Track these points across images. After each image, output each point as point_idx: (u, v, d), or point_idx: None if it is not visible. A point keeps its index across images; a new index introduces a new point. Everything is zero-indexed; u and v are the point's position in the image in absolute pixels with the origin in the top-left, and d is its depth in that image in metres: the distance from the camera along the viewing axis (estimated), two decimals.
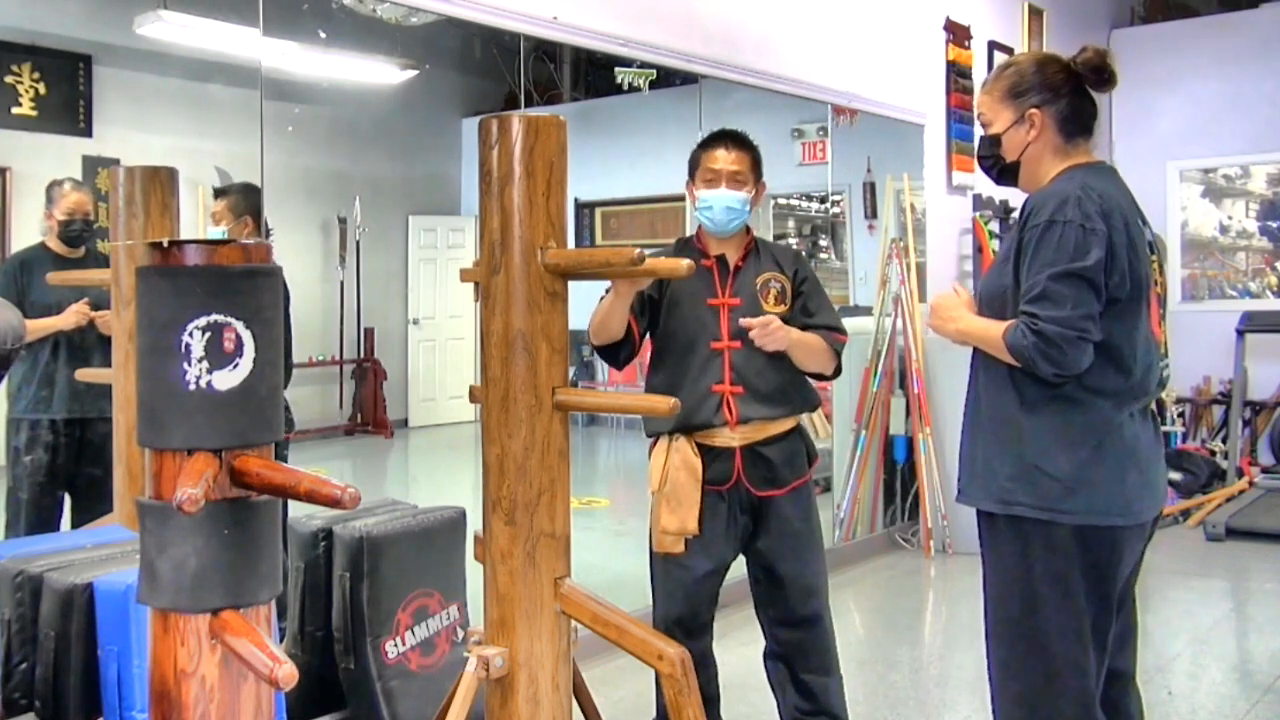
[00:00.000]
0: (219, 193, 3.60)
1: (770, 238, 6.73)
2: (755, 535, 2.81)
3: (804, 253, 2.98)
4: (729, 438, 2.74)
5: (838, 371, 2.87)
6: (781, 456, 2.80)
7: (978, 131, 2.40)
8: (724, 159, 2.77)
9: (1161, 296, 2.31)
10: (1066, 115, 2.24)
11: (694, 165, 2.84)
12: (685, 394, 2.69)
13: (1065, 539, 2.13)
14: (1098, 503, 2.12)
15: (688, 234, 2.98)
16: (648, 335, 2.84)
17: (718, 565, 2.81)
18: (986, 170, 2.37)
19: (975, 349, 2.27)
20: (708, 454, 2.74)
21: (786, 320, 2.79)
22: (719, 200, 2.76)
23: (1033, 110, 2.24)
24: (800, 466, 2.84)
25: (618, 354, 2.76)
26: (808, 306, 2.84)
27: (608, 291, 2.73)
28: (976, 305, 2.30)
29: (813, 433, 2.98)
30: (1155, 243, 2.34)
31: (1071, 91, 2.24)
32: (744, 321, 2.70)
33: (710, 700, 2.88)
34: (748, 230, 2.88)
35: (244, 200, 3.51)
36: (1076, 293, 2.05)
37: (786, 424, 2.82)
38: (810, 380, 2.90)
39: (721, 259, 2.82)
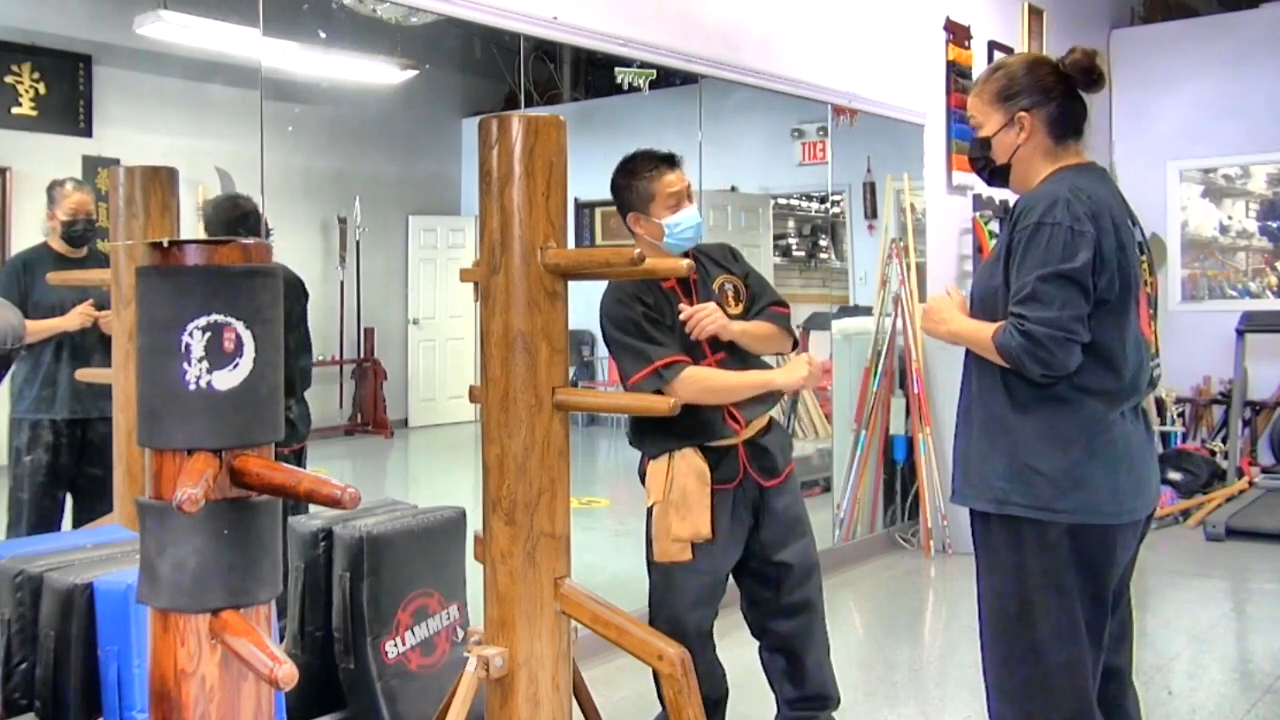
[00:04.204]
0: (203, 214, 3.59)
1: (770, 238, 6.73)
2: (756, 529, 2.83)
3: (728, 243, 3.04)
4: (730, 438, 2.77)
5: (796, 344, 2.95)
6: (776, 444, 2.87)
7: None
8: (677, 180, 2.76)
9: (1151, 296, 2.32)
10: (1056, 117, 2.24)
11: (645, 195, 2.74)
12: (692, 413, 2.70)
13: (1059, 538, 2.13)
14: (1090, 501, 2.12)
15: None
16: None
17: (726, 569, 2.82)
18: (978, 172, 2.39)
19: (968, 350, 2.28)
20: (712, 455, 2.75)
21: (745, 316, 2.85)
22: (690, 220, 2.75)
23: (1022, 113, 2.24)
24: (789, 453, 2.94)
25: None
26: (752, 294, 2.89)
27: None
28: (969, 306, 2.31)
29: (813, 433, 3.04)
30: (1146, 243, 2.35)
31: (1062, 94, 2.25)
32: (683, 315, 2.72)
33: (717, 702, 2.89)
34: None
35: (218, 218, 3.48)
36: (1064, 294, 2.06)
37: (769, 414, 2.90)
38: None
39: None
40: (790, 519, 2.86)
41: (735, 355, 2.78)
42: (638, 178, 2.76)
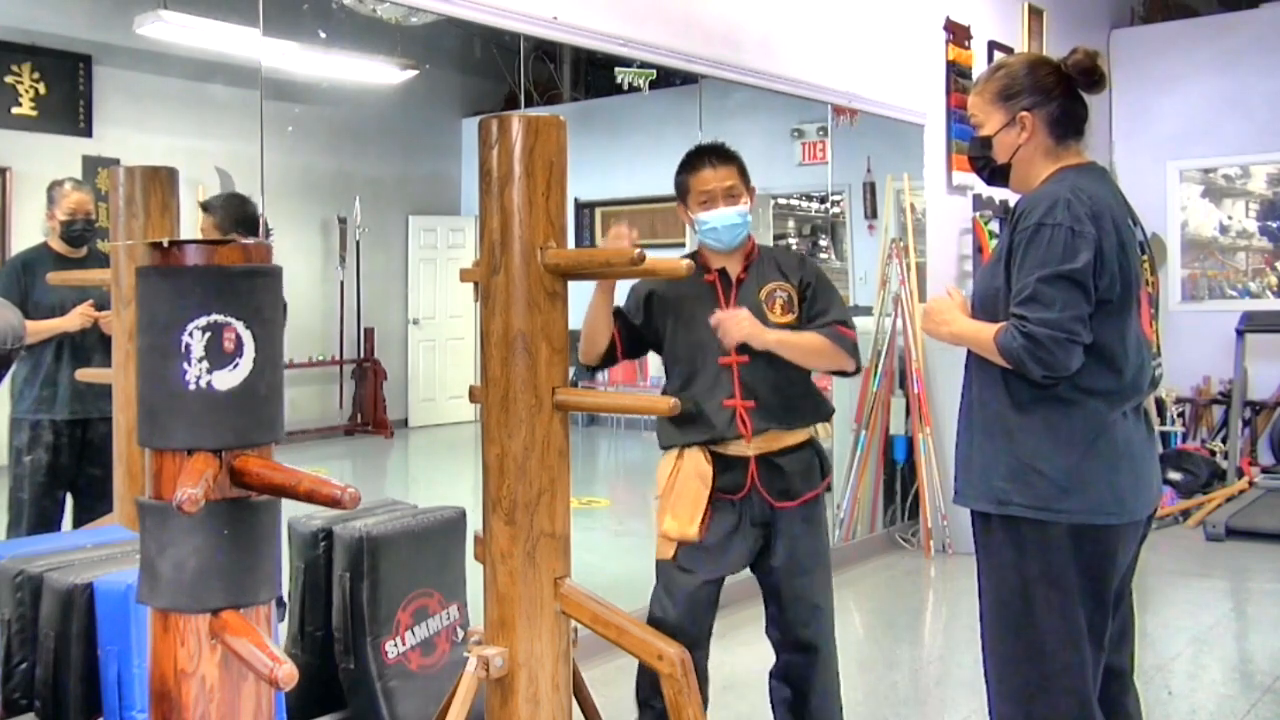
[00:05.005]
0: (204, 208, 3.55)
1: (770, 238, 6.74)
2: (765, 550, 2.75)
3: (805, 253, 2.95)
4: (743, 448, 2.70)
5: (859, 368, 2.80)
6: (796, 467, 2.75)
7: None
8: (713, 178, 2.71)
9: (1153, 296, 2.32)
10: (1057, 117, 2.24)
11: (683, 190, 2.76)
12: (700, 409, 2.66)
13: (1060, 538, 2.13)
14: (1092, 502, 2.12)
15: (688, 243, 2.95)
16: (646, 352, 2.83)
17: (720, 575, 2.77)
18: (978, 171, 2.38)
19: (969, 351, 2.28)
20: (721, 462, 2.69)
21: (795, 328, 2.74)
22: (720, 220, 2.71)
23: (1024, 113, 2.24)
24: (814, 479, 2.79)
25: (600, 368, 2.80)
26: (814, 307, 2.76)
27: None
28: (970, 307, 2.30)
29: (813, 433, 2.96)
30: (1147, 242, 2.34)
31: (1062, 94, 2.24)
32: (713, 320, 2.64)
33: None
34: (749, 238, 2.84)
35: (229, 214, 3.47)
36: (1065, 295, 2.06)
37: (801, 435, 2.78)
38: (819, 390, 2.88)
39: (723, 272, 2.76)
40: (798, 551, 2.75)
41: (763, 360, 2.69)
42: (681, 172, 2.78)
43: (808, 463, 2.79)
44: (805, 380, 2.79)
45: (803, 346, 2.68)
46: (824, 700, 2.82)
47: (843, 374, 2.81)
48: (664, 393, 2.81)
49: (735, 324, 2.62)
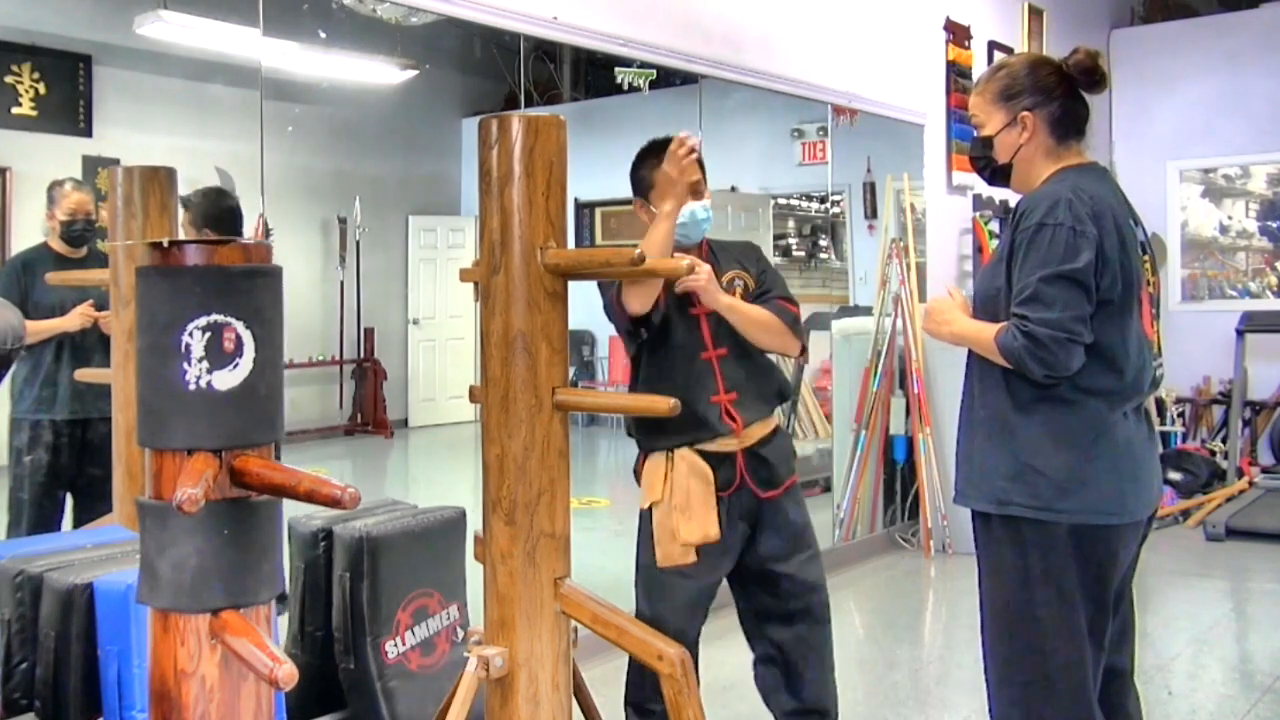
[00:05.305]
0: (184, 203, 3.53)
1: (770, 238, 6.73)
2: (754, 540, 2.77)
3: (753, 242, 2.96)
4: (728, 442, 2.71)
5: (804, 349, 2.84)
6: (777, 455, 2.79)
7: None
8: None
9: (1154, 296, 2.32)
10: (1059, 117, 2.24)
11: (644, 185, 2.72)
12: (688, 408, 2.61)
13: (1061, 538, 2.13)
14: (1092, 502, 2.12)
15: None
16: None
17: (719, 577, 2.77)
18: (979, 171, 2.38)
19: (970, 351, 2.28)
20: (710, 460, 2.70)
21: None
22: (688, 215, 2.70)
23: (1025, 113, 2.24)
24: (791, 464, 2.85)
25: (646, 321, 2.67)
26: (761, 287, 2.81)
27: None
28: (971, 307, 2.31)
29: (813, 432, 2.99)
30: (1149, 242, 2.34)
31: (1064, 94, 2.25)
32: (680, 283, 2.63)
33: None
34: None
35: (205, 210, 3.44)
36: (1066, 295, 2.06)
37: (773, 422, 2.82)
38: (783, 372, 2.92)
39: None
40: (792, 533, 2.78)
41: (737, 351, 2.74)
42: (643, 166, 2.75)
43: (785, 449, 2.84)
44: (768, 364, 2.84)
45: (751, 317, 2.73)
46: (821, 672, 2.81)
47: (787, 356, 2.86)
48: (632, 388, 2.82)
49: (694, 279, 2.62)
